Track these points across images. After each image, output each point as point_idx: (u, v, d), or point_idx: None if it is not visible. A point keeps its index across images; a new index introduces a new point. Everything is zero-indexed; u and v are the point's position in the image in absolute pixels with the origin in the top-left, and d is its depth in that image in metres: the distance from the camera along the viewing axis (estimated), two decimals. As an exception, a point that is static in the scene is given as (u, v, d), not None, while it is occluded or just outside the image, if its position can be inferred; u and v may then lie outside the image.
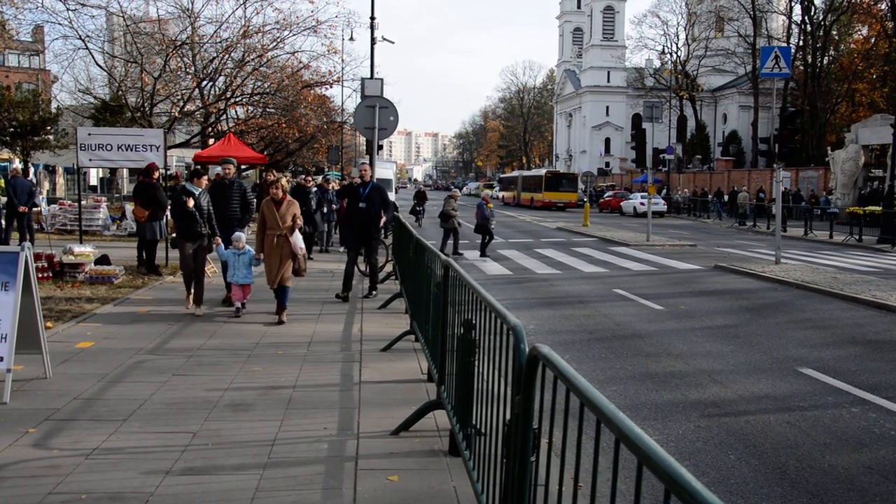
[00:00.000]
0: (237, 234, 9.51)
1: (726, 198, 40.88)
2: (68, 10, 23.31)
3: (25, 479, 4.30)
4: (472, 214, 21.30)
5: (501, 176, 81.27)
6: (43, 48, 40.02)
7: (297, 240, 9.08)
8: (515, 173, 66.85)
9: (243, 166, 27.02)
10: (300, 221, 9.23)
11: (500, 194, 65.77)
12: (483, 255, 18.81)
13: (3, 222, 16.21)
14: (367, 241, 11.31)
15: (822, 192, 40.15)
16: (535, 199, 51.89)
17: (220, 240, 9.49)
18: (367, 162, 12.01)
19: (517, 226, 32.95)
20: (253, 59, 27.08)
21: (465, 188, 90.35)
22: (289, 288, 9.19)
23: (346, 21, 51.29)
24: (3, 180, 16.72)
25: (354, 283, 12.75)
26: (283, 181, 9.35)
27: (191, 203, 9.32)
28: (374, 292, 11.37)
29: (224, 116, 30.33)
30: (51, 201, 28.06)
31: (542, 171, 54.84)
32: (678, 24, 74.95)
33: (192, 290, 9.50)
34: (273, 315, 9.27)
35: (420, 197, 32.28)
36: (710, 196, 44.27)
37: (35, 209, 17.85)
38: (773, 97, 21.84)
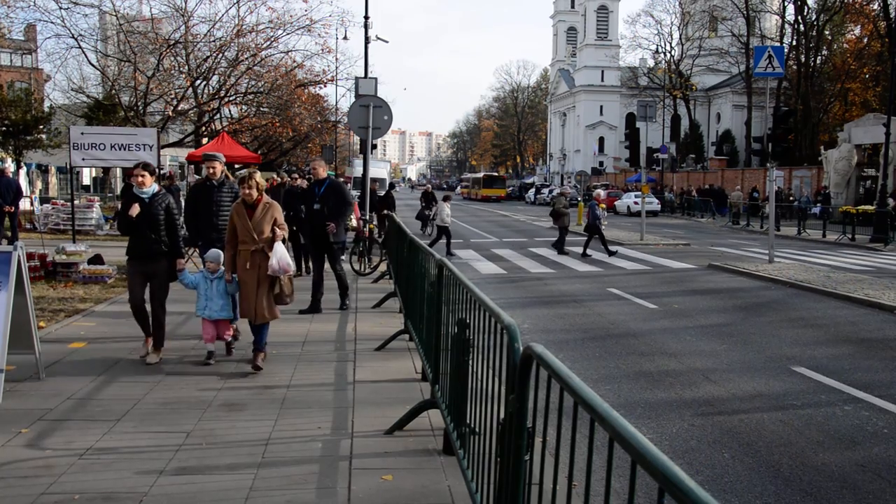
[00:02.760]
0: (212, 251, 7.33)
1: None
2: (61, 8, 23.22)
3: (18, 479, 4.29)
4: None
5: (462, 177, 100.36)
6: (35, 47, 39.86)
7: (280, 256, 6.76)
8: (468, 175, 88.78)
9: (237, 165, 26.92)
10: (284, 231, 6.96)
11: (461, 191, 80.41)
12: (584, 254, 19.10)
13: None
14: (327, 248, 9.93)
15: (801, 192, 40.25)
16: (478, 194, 67.69)
17: (182, 262, 7.19)
18: (320, 161, 10.38)
19: (511, 225, 32.95)
20: (247, 59, 27.03)
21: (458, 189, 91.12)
22: (268, 325, 6.99)
23: (339, 20, 51.37)
24: None
25: (349, 283, 12.74)
26: (258, 177, 6.92)
27: (135, 211, 6.82)
28: (346, 303, 10.08)
29: (218, 115, 30.24)
30: (43, 201, 27.97)
31: (481, 174, 76.82)
32: (672, 23, 75.05)
33: (151, 332, 7.14)
34: (246, 361, 6.98)
35: (428, 199, 26.05)
36: (695, 194, 44.34)
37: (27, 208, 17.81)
38: (766, 96, 21.90)
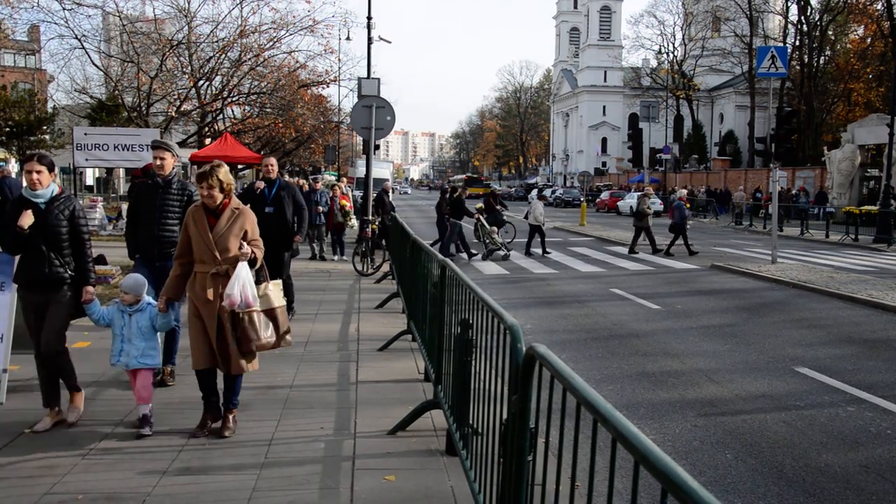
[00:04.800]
0: (130, 277, 5.31)
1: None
2: (64, 9, 23.25)
3: (22, 479, 4.30)
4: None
5: (450, 179, 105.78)
6: (39, 48, 39.94)
7: (244, 284, 4.79)
8: (456, 177, 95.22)
9: (240, 166, 27.00)
10: (256, 249, 5.00)
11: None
12: (668, 253, 19.23)
13: None
14: (279, 255, 8.56)
15: (797, 191, 40.15)
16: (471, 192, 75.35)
17: (92, 290, 5.30)
18: (272, 158, 9.30)
19: (515, 225, 32.89)
20: (249, 59, 27.06)
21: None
22: (241, 377, 5.17)
23: (342, 21, 51.15)
24: None
25: (351, 283, 12.77)
26: (222, 172, 4.96)
27: (27, 221, 4.97)
28: (293, 312, 9.11)
29: (221, 116, 30.31)
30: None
31: (464, 176, 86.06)
32: (675, 23, 75.25)
33: (65, 383, 5.34)
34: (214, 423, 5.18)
35: (490, 208, 20.99)
36: (702, 194, 44.27)
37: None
38: (769, 97, 21.88)
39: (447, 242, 17.97)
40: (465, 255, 18.21)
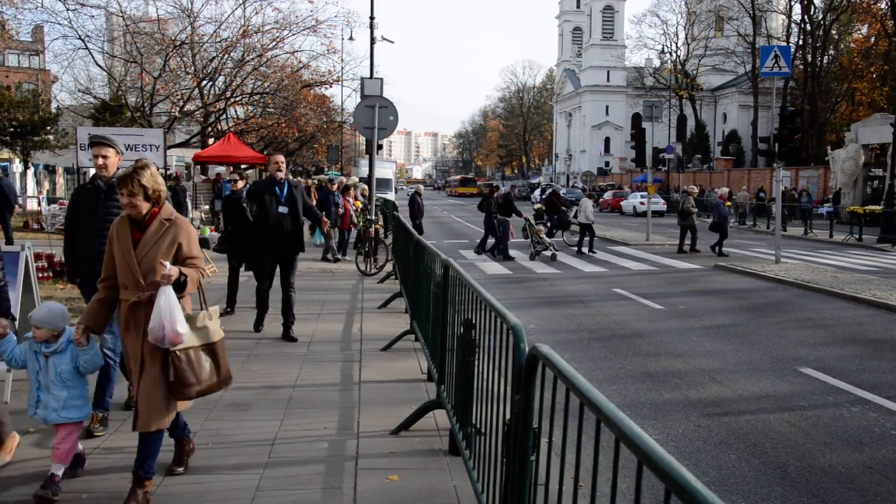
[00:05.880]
0: (44, 307, 4.24)
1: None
2: (68, 10, 23.39)
3: (26, 478, 4.30)
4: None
5: (448, 179, 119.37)
6: (43, 48, 39.99)
7: (166, 314, 3.78)
8: (452, 178, 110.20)
9: (243, 166, 26.99)
10: (192, 271, 3.99)
11: (447, 189, 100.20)
12: (721, 252, 19.26)
13: None
14: (291, 259, 8.24)
15: (797, 191, 40.05)
16: (455, 191, 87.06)
17: (5, 323, 4.28)
18: (280, 155, 8.84)
19: (517, 224, 32.90)
20: (252, 59, 27.12)
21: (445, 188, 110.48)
22: (161, 434, 4.07)
23: (345, 21, 51.31)
24: None
25: (354, 283, 12.78)
26: (147, 176, 3.96)
27: None
28: (261, 327, 8.53)
29: (224, 116, 30.35)
30: (51, 201, 28.10)
31: (459, 176, 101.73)
32: (678, 23, 75.10)
33: None
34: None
35: (554, 207, 21.66)
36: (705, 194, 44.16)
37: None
38: (772, 96, 21.82)
39: (503, 241, 18.50)
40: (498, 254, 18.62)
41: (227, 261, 9.95)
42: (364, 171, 30.21)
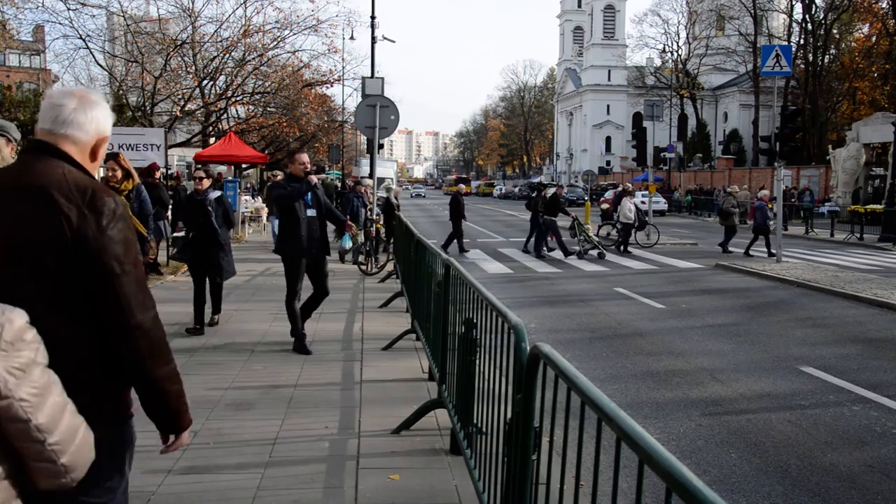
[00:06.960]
0: None
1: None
2: (69, 9, 23.35)
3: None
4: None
5: (444, 179, 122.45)
6: (44, 48, 40.04)
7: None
8: (449, 177, 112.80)
9: (244, 165, 27.06)
10: None
11: (445, 188, 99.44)
12: (747, 253, 19.31)
13: None
14: (321, 265, 7.88)
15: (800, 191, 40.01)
16: (451, 190, 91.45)
17: None
18: (306, 156, 8.05)
19: (518, 224, 32.92)
20: (253, 59, 27.12)
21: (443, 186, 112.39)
22: None
23: (346, 20, 51.30)
24: None
25: (355, 283, 12.77)
26: None
27: None
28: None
29: (225, 115, 30.35)
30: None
31: (454, 176, 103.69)
32: (679, 22, 75.22)
33: None
34: None
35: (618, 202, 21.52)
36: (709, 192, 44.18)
37: None
38: (773, 96, 21.81)
39: (539, 239, 18.77)
40: (551, 253, 18.94)
41: (190, 272, 8.92)
42: (365, 171, 30.24)
